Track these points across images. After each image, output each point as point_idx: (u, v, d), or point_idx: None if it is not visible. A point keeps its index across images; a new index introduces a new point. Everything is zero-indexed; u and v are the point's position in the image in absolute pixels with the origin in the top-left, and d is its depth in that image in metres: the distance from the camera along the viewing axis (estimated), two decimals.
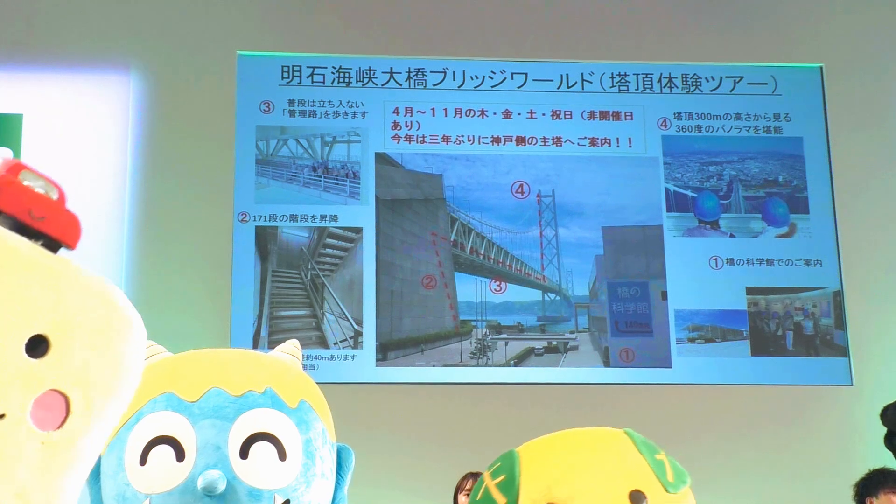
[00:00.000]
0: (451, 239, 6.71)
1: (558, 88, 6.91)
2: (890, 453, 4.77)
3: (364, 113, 6.78)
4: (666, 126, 6.90)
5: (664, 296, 6.65)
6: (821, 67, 7.02)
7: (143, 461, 1.74)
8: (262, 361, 1.97)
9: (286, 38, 6.80)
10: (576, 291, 6.72)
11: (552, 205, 6.79)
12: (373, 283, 6.54)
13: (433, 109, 6.81)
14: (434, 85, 6.86)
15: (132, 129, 6.55)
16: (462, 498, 5.09)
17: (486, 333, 6.58)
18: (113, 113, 6.56)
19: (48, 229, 1.22)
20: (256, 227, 6.55)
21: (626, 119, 6.89)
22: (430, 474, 5.80)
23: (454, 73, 6.89)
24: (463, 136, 6.79)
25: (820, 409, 6.52)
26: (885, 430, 4.71)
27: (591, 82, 6.93)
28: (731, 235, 6.81)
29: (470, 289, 6.65)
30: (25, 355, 1.14)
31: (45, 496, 1.19)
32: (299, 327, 6.45)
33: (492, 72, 6.90)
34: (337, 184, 6.69)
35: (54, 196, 1.25)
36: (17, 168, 1.20)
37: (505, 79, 6.90)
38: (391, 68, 6.86)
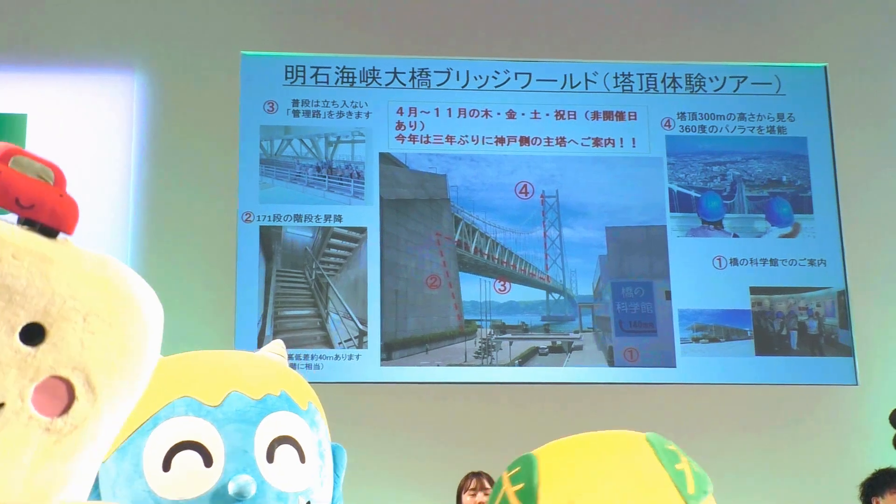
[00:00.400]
0: (456, 239, 6.71)
1: (562, 88, 6.92)
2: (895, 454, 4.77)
3: (368, 113, 6.78)
4: (669, 126, 6.90)
5: (668, 296, 6.65)
6: (824, 67, 7.02)
7: (166, 467, 1.72)
8: (269, 364, 1.97)
9: (290, 39, 6.81)
10: (580, 291, 6.72)
11: (556, 205, 6.79)
12: (377, 283, 6.55)
13: (437, 109, 6.82)
14: (438, 85, 6.86)
15: (136, 129, 6.56)
16: (466, 497, 5.08)
17: (490, 333, 6.58)
18: (117, 113, 6.57)
19: (40, 216, 1.21)
20: (261, 226, 6.55)
21: (629, 119, 6.89)
22: (434, 473, 5.80)
23: (458, 73, 6.89)
24: (467, 136, 6.80)
25: (824, 409, 6.52)
26: (893, 431, 4.71)
27: (595, 82, 6.93)
28: (735, 235, 6.81)
29: (474, 289, 6.65)
30: (20, 344, 1.14)
31: (54, 481, 1.20)
32: (304, 327, 6.45)
33: (496, 72, 6.91)
34: (341, 184, 6.69)
35: (51, 180, 1.24)
36: (7, 154, 1.20)
37: (509, 79, 6.90)
38: (395, 68, 6.86)
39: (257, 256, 6.50)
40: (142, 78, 6.64)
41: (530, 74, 6.92)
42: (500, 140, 6.81)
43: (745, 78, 7.00)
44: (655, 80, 6.96)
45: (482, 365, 6.52)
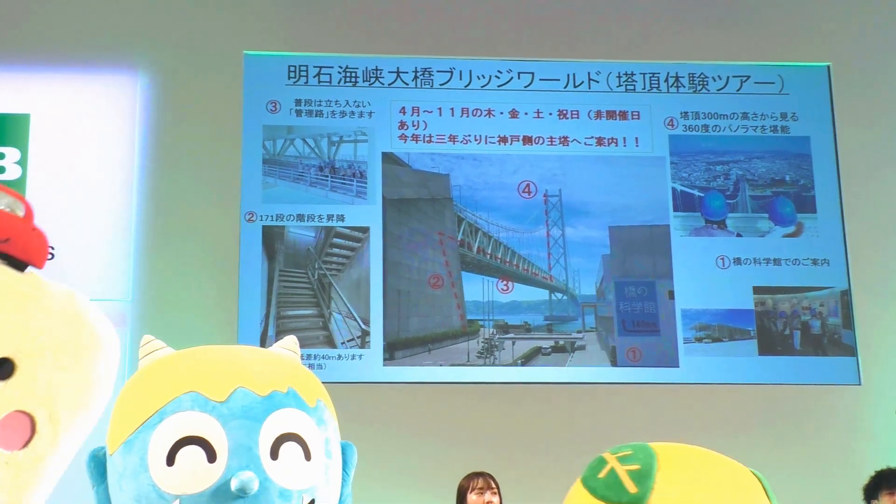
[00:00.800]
0: (458, 238, 6.71)
1: (565, 88, 6.91)
2: None
3: (371, 112, 6.78)
4: (673, 125, 6.90)
5: (671, 295, 6.64)
6: (828, 66, 7.01)
7: (170, 461, 1.72)
8: (278, 360, 1.96)
9: (293, 38, 6.81)
10: (583, 291, 6.72)
11: (559, 204, 6.78)
12: (380, 283, 6.54)
13: (440, 109, 6.81)
14: (441, 84, 6.86)
15: (139, 129, 6.56)
16: (473, 496, 5.06)
17: (493, 333, 6.58)
18: (120, 113, 6.57)
19: (12, 250, 1.20)
20: (263, 226, 6.55)
21: (632, 118, 6.89)
22: (436, 473, 5.80)
23: (461, 72, 6.89)
24: (470, 135, 6.79)
25: (827, 409, 6.51)
26: None
27: (598, 82, 6.93)
28: (738, 235, 6.80)
29: (477, 288, 6.65)
30: None
31: None
32: (306, 327, 6.45)
33: (498, 71, 6.90)
34: (344, 183, 6.69)
35: (20, 213, 1.23)
36: None
37: (512, 78, 6.90)
38: (398, 68, 6.86)
39: (260, 256, 6.50)
40: (145, 78, 6.64)
41: (533, 74, 6.92)
42: (503, 139, 6.81)
43: (749, 77, 6.99)
44: (658, 80, 6.96)
45: (485, 365, 6.52)
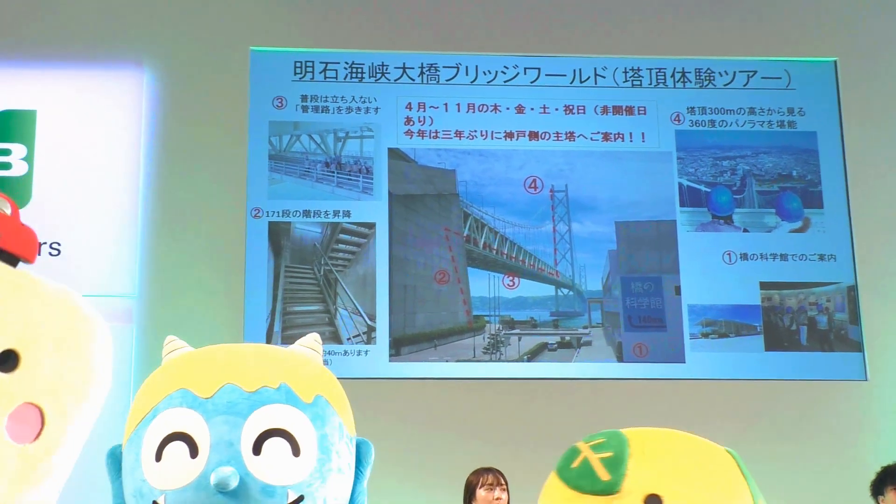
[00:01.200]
0: (464, 234, 6.71)
1: (571, 83, 6.91)
2: None
3: (377, 108, 6.78)
4: (679, 121, 6.89)
5: (678, 291, 6.64)
6: (835, 62, 7.00)
7: (158, 457, 1.75)
8: (279, 356, 1.96)
9: (299, 34, 6.81)
10: (589, 286, 6.71)
11: (565, 200, 6.78)
12: (386, 279, 6.54)
13: (446, 104, 6.81)
14: (447, 80, 6.85)
15: (145, 125, 6.56)
16: (482, 492, 5.06)
17: (499, 329, 6.58)
18: (126, 109, 6.57)
19: (4, 245, 1.21)
20: (270, 222, 6.55)
21: (639, 114, 6.88)
22: (443, 469, 5.80)
23: (467, 67, 6.88)
24: (476, 131, 6.79)
25: (834, 405, 6.50)
26: None
27: (605, 77, 6.92)
28: (745, 230, 6.79)
29: (483, 284, 6.64)
30: None
31: None
32: (312, 322, 6.45)
33: (504, 67, 6.90)
34: (350, 179, 6.69)
35: (7, 211, 1.24)
36: None
37: (518, 74, 6.89)
38: (404, 63, 6.85)
39: (266, 252, 6.51)
40: (151, 74, 6.65)
41: (539, 69, 6.91)
42: (510, 135, 6.80)
43: (755, 72, 6.98)
44: (665, 75, 6.95)
45: (491, 360, 6.52)
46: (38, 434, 1.20)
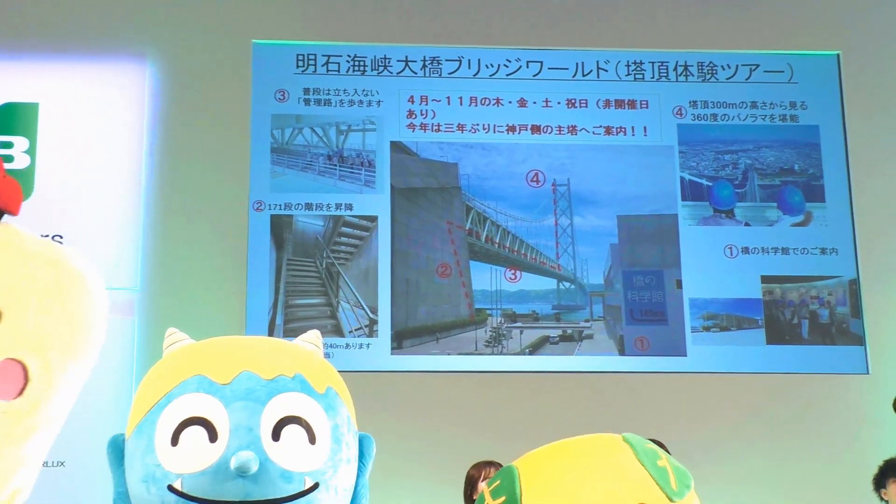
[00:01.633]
0: (467, 227, 6.71)
1: (573, 77, 6.90)
2: None
3: (379, 101, 6.78)
4: (681, 114, 6.89)
5: (679, 284, 6.64)
6: (837, 55, 7.00)
7: (174, 442, 1.75)
8: (290, 348, 1.99)
9: (301, 27, 6.81)
10: (591, 280, 6.71)
11: (567, 193, 6.78)
12: (388, 272, 6.55)
13: (448, 98, 6.81)
14: (449, 73, 6.85)
15: (148, 118, 6.56)
16: (482, 485, 5.06)
17: (500, 322, 6.59)
18: (129, 102, 6.57)
19: None
20: (272, 215, 6.56)
21: (641, 107, 6.88)
22: (444, 462, 5.81)
23: (469, 61, 6.88)
24: (478, 124, 6.79)
25: (835, 398, 6.51)
26: None
27: (607, 70, 6.92)
28: (747, 224, 6.79)
29: (485, 277, 6.65)
30: None
31: (13, 465, 1.20)
32: (314, 315, 6.46)
33: (507, 60, 6.90)
34: (352, 172, 6.69)
35: None
36: None
37: (520, 67, 6.89)
38: (406, 56, 6.85)
39: (268, 245, 6.51)
40: (153, 66, 6.65)
41: (542, 63, 6.91)
42: (512, 128, 6.81)
43: (758, 66, 6.98)
44: (667, 69, 6.95)
45: (492, 354, 6.52)
46: (22, 390, 1.20)
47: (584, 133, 6.83)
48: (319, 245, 6.58)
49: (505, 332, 6.56)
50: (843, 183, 6.83)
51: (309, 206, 6.61)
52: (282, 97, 6.72)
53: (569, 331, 6.62)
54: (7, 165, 6.31)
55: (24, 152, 6.40)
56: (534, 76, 6.89)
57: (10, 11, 6.62)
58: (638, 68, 6.94)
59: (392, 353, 6.43)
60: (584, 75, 6.91)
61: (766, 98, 6.94)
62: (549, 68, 6.90)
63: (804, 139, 6.92)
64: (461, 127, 6.78)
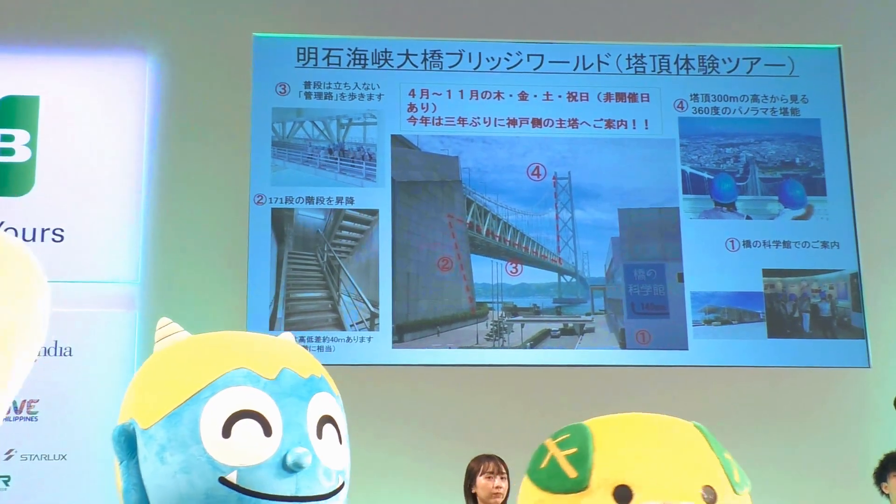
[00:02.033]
0: (467, 221, 6.71)
1: (574, 70, 6.90)
2: None
3: (380, 95, 6.77)
4: (682, 108, 6.88)
5: (680, 278, 6.64)
6: (838, 49, 6.99)
7: (226, 433, 1.76)
8: (301, 348, 2.03)
9: (302, 20, 6.80)
10: (592, 273, 6.71)
11: (568, 187, 6.78)
12: (389, 265, 6.55)
13: (449, 91, 6.81)
14: (450, 67, 6.85)
15: (149, 111, 6.56)
16: (482, 479, 5.06)
17: (502, 315, 6.59)
18: (129, 95, 6.57)
19: None
20: (273, 209, 6.55)
21: (642, 101, 6.87)
22: (445, 455, 5.81)
23: (470, 54, 6.87)
24: (479, 117, 6.79)
25: (837, 391, 6.51)
26: None
27: (608, 64, 6.91)
28: (748, 217, 6.79)
29: (486, 271, 6.65)
30: None
31: None
32: (315, 309, 6.46)
33: (508, 53, 6.89)
34: (353, 166, 6.69)
35: None
36: None
37: (521, 60, 6.89)
38: (407, 50, 6.85)
39: (269, 239, 6.51)
40: (154, 60, 6.64)
41: (542, 56, 6.90)
42: (513, 122, 6.80)
43: (759, 59, 6.97)
44: (668, 62, 6.94)
45: (493, 347, 6.52)
46: None
47: (585, 126, 6.83)
48: (320, 239, 6.58)
49: (506, 326, 6.56)
50: (845, 176, 6.82)
51: (310, 200, 6.60)
52: (282, 91, 6.72)
53: (570, 324, 6.62)
54: (8, 159, 6.32)
55: (25, 145, 6.40)
56: (535, 69, 6.88)
57: (10, 5, 6.61)
58: (639, 61, 6.93)
59: (393, 347, 6.43)
60: (584, 68, 6.90)
61: (767, 91, 6.93)
62: (549, 61, 6.90)
63: (805, 133, 6.92)
64: (462, 120, 6.78)
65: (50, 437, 5.87)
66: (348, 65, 6.79)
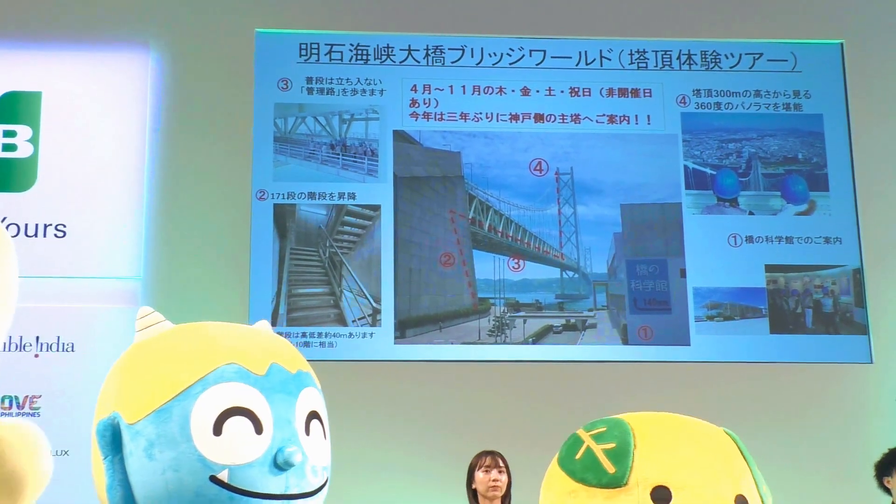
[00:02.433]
0: (470, 216, 6.70)
1: (577, 65, 6.89)
2: None
3: (382, 90, 6.77)
4: (685, 103, 6.88)
5: (683, 273, 6.63)
6: (841, 44, 6.98)
7: (217, 431, 1.74)
8: (285, 341, 2.00)
9: (304, 16, 6.79)
10: (594, 269, 6.71)
11: (570, 182, 6.77)
12: (391, 261, 6.55)
13: (451, 87, 6.80)
14: (452, 62, 6.84)
15: (151, 107, 6.55)
16: (479, 474, 5.07)
17: (504, 311, 6.58)
18: (131, 90, 6.56)
19: None
20: (275, 204, 6.55)
21: (644, 96, 6.86)
22: (447, 451, 5.81)
23: (472, 50, 6.87)
24: (481, 113, 6.78)
25: (839, 387, 6.50)
26: None
27: (610, 59, 6.90)
28: (751, 213, 6.78)
29: (488, 266, 6.64)
30: None
31: None
32: (317, 305, 6.46)
33: (510, 49, 6.88)
34: (355, 161, 6.69)
35: None
36: None
37: (523, 56, 6.88)
38: (409, 45, 6.84)
39: (271, 234, 6.51)
40: (156, 55, 6.64)
41: (545, 51, 6.89)
42: (515, 117, 6.80)
43: (761, 55, 6.96)
44: (671, 57, 6.93)
45: (496, 343, 6.52)
46: None
47: (587, 122, 6.82)
48: (322, 234, 6.58)
49: (508, 322, 6.56)
50: (847, 172, 6.82)
51: (312, 196, 6.60)
52: (285, 86, 6.71)
53: (572, 320, 6.61)
54: (10, 154, 6.32)
55: (27, 141, 6.40)
56: (537, 65, 6.87)
57: (12, 0, 6.61)
58: (641, 57, 6.92)
59: (395, 343, 6.43)
60: (587, 64, 6.89)
61: (769, 87, 6.92)
62: (552, 57, 6.89)
63: (808, 128, 6.91)
64: (464, 116, 6.77)
65: (52, 433, 5.82)
66: (350, 60, 6.79)
